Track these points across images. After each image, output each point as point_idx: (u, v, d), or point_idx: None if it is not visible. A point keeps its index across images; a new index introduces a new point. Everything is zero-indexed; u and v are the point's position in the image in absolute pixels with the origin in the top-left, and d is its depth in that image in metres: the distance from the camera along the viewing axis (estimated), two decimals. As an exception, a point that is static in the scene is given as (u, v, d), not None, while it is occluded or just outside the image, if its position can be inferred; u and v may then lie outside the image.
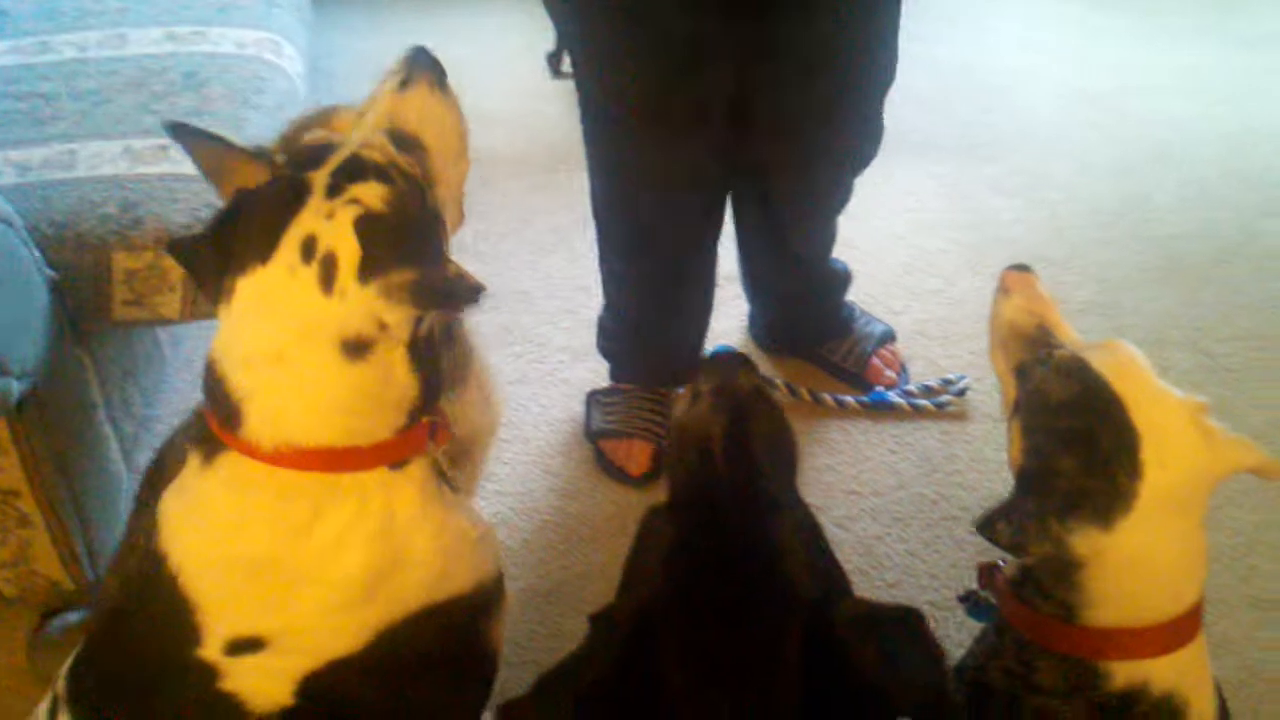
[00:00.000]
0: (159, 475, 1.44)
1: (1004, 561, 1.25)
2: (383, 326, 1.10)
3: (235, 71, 2.09)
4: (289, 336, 1.09)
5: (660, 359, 2.14)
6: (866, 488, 2.04)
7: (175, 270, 1.73)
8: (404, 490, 1.18)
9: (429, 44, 1.41)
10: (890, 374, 2.21)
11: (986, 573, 1.28)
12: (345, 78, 3.13)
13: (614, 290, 2.09)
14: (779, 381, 2.20)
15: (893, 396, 2.17)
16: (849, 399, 2.17)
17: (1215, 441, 1.12)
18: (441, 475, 1.25)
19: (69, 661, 1.24)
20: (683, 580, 1.10)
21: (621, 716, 1.07)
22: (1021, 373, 1.22)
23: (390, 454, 1.17)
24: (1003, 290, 1.30)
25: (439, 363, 1.22)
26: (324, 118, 1.40)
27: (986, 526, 1.11)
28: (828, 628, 1.05)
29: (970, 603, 1.33)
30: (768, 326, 2.29)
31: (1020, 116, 3.02)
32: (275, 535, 1.13)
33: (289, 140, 1.39)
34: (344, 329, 1.09)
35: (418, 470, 1.20)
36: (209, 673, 1.12)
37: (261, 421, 1.11)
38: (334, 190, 1.11)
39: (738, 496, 1.16)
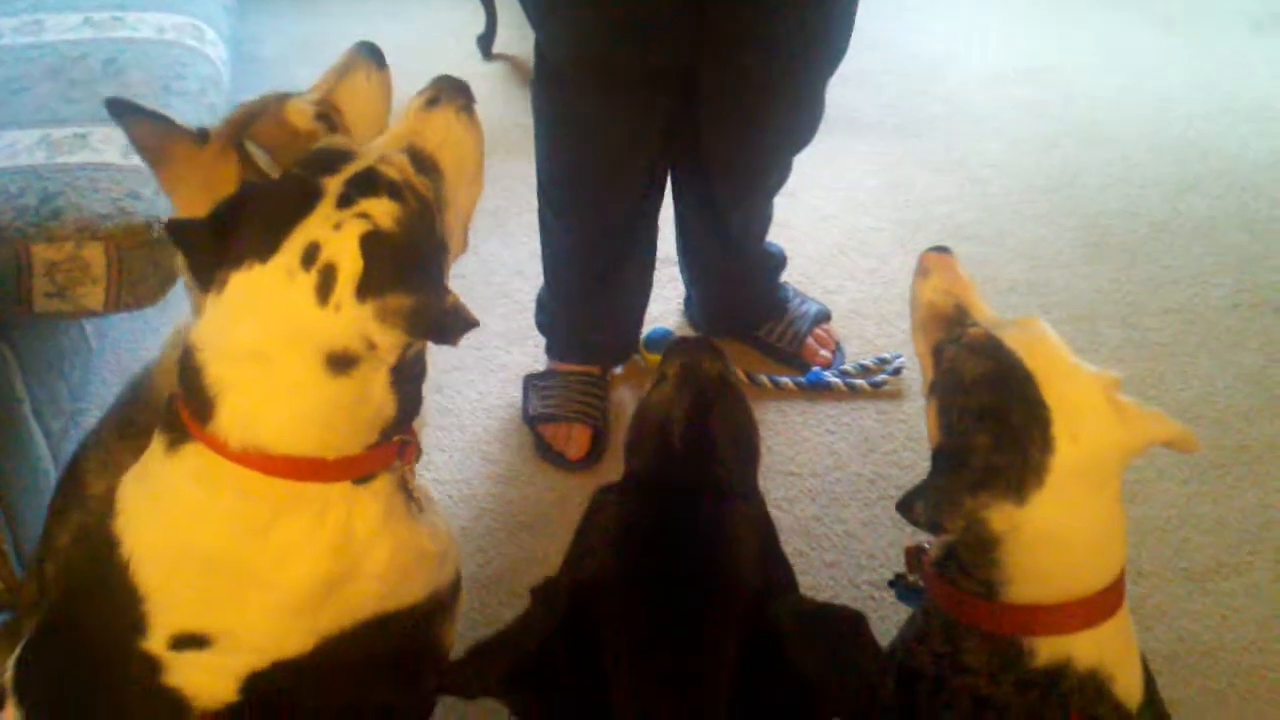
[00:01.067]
0: (78, 464, 1.42)
1: (930, 543, 1.26)
2: (371, 346, 1.09)
3: (156, 57, 2.05)
4: (275, 339, 1.07)
5: (598, 335, 2.13)
6: (804, 469, 2.05)
7: (98, 261, 1.70)
8: (366, 506, 1.17)
9: (360, 29, 1.40)
10: (825, 354, 2.22)
11: (913, 555, 1.29)
12: (274, 63, 3.08)
13: (553, 260, 2.08)
14: (716, 363, 2.20)
15: (829, 376, 2.18)
16: (785, 380, 2.18)
17: (1128, 415, 1.13)
18: (406, 491, 1.24)
19: (17, 651, 1.22)
20: (627, 558, 1.11)
21: (555, 688, 1.07)
22: (938, 352, 1.24)
23: (356, 469, 1.15)
24: (921, 272, 1.31)
25: (419, 386, 1.20)
26: (271, 104, 1.38)
27: (905, 507, 1.13)
28: (766, 618, 1.06)
29: (899, 586, 1.33)
30: (704, 308, 2.29)
31: (950, 95, 3.04)
32: (231, 534, 1.11)
33: (236, 126, 1.37)
34: (332, 342, 1.07)
35: (383, 486, 1.19)
36: (153, 665, 1.11)
37: (233, 420, 1.09)
38: (345, 200, 1.09)
39: (691, 481, 1.16)
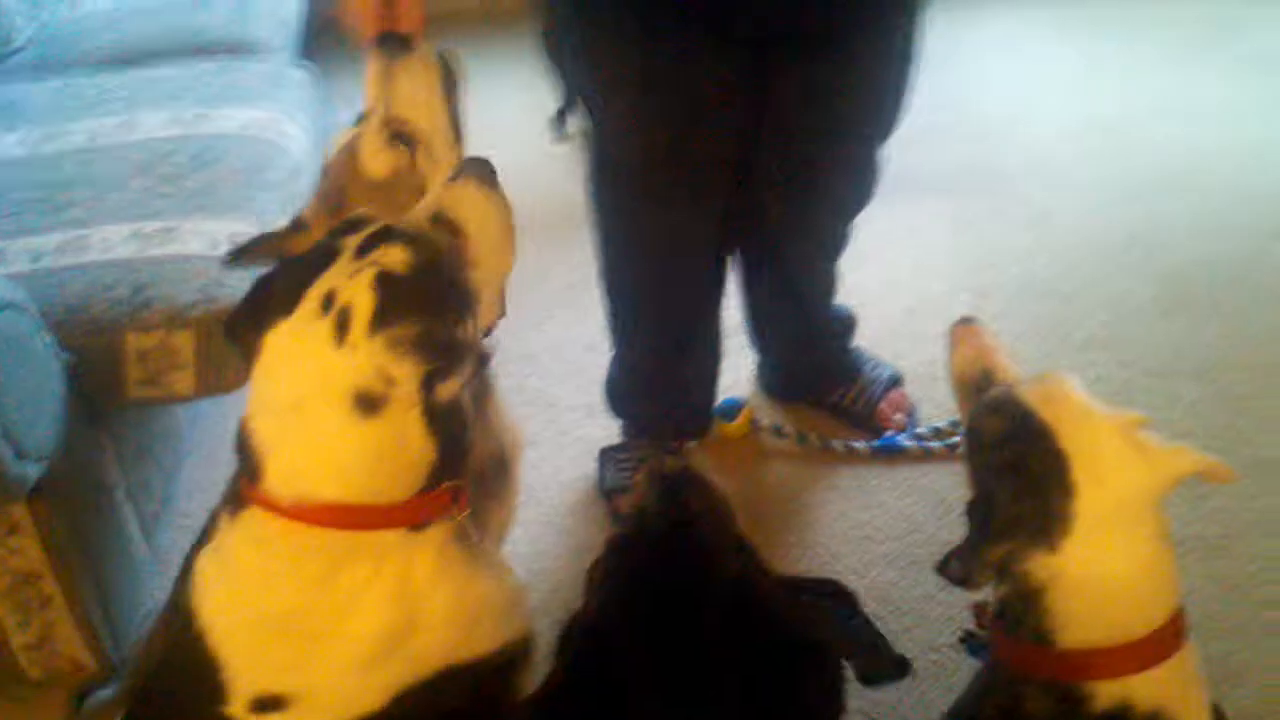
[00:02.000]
0: (202, 540, 1.48)
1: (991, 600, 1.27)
2: (391, 382, 1.11)
3: (239, 152, 2.14)
4: (306, 387, 1.12)
5: (672, 412, 2.15)
6: (880, 533, 2.04)
7: (187, 348, 1.77)
8: (423, 552, 1.19)
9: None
10: (899, 417, 2.22)
11: (980, 611, 1.30)
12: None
13: (623, 351, 2.11)
14: (788, 429, 2.21)
15: (902, 440, 2.17)
16: (859, 444, 2.18)
17: (1150, 453, 1.13)
18: (467, 538, 1.26)
19: None
20: (619, 593, 1.20)
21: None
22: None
23: (409, 515, 1.18)
24: (952, 345, 1.34)
25: (464, 430, 1.22)
26: (345, 154, 1.52)
27: (942, 566, 1.16)
28: (751, 601, 1.14)
29: (970, 643, 1.34)
30: (776, 375, 2.30)
31: (1024, 148, 3.04)
32: (295, 589, 1.15)
33: (324, 195, 1.49)
34: (355, 383, 1.11)
35: (438, 533, 1.21)
36: None
37: (280, 472, 1.13)
38: (362, 252, 1.15)
39: (667, 524, 1.23)
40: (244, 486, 1.17)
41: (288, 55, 2.85)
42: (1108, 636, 1.12)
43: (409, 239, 1.17)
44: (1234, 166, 2.91)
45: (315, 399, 1.11)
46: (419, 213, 1.26)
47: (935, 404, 2.27)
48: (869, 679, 1.20)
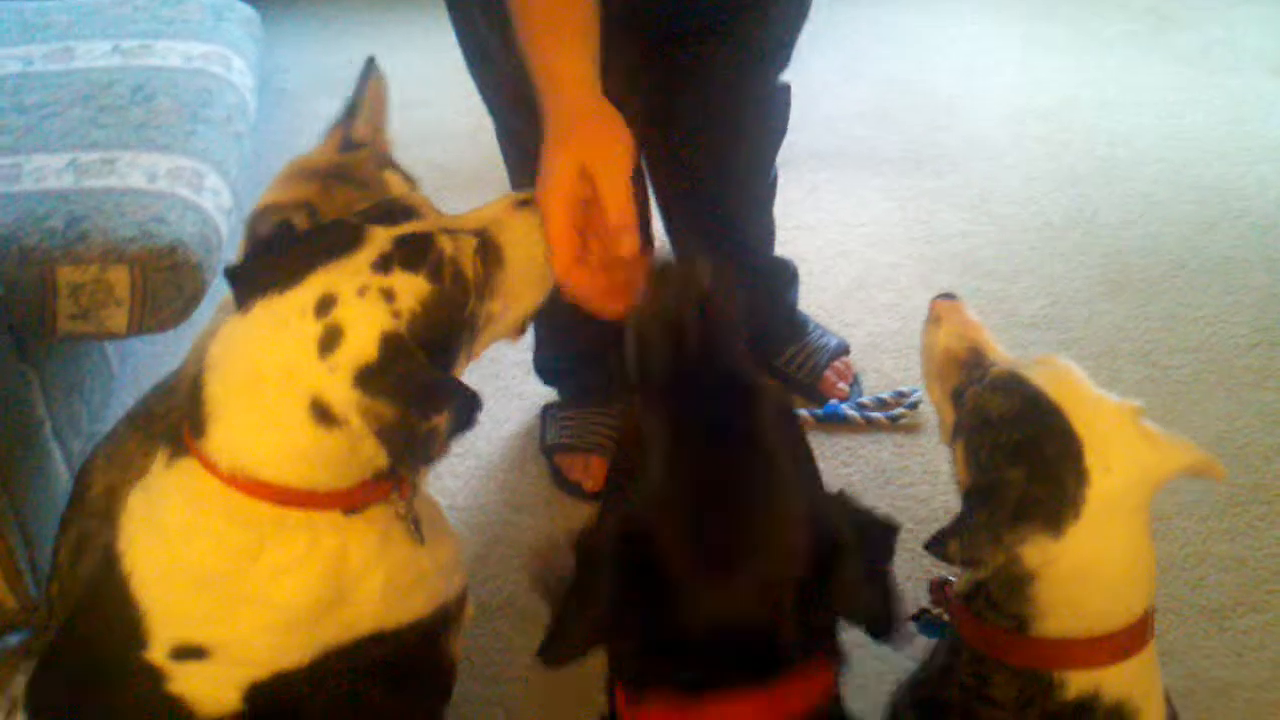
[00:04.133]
0: (89, 461, 1.44)
1: (954, 577, 1.26)
2: (347, 422, 1.09)
3: (183, 85, 2.08)
4: (271, 371, 1.09)
5: (611, 381, 2.12)
6: (820, 500, 2.04)
7: (122, 284, 1.72)
8: (361, 533, 1.18)
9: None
10: (843, 386, 2.22)
11: (938, 589, 1.28)
12: (298, 95, 3.11)
13: (552, 319, 2.03)
14: (733, 395, 2.20)
15: (846, 409, 2.18)
16: (802, 412, 2.18)
17: (1156, 443, 1.13)
18: (407, 519, 1.24)
19: (32, 670, 1.25)
20: (679, 478, 1.07)
21: (636, 624, 1.06)
22: (958, 396, 1.24)
23: (346, 501, 1.16)
24: (933, 320, 1.32)
25: (424, 448, 1.14)
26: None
27: (938, 546, 1.12)
28: (824, 526, 1.05)
29: (922, 620, 1.33)
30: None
31: (968, 131, 3.04)
32: (220, 556, 1.13)
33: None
34: (319, 396, 1.08)
35: (379, 514, 1.20)
36: (156, 675, 1.13)
37: (224, 440, 1.11)
38: (383, 265, 1.10)
39: (714, 380, 1.14)
40: (186, 435, 1.14)
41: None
42: (1089, 627, 1.12)
43: (437, 269, 1.12)
44: (1172, 156, 2.94)
45: (276, 387, 1.09)
46: (468, 223, 1.19)
47: (880, 374, 2.28)
48: (871, 621, 1.11)
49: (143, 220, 1.75)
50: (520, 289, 1.23)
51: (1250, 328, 2.40)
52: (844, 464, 2.11)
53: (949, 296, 1.33)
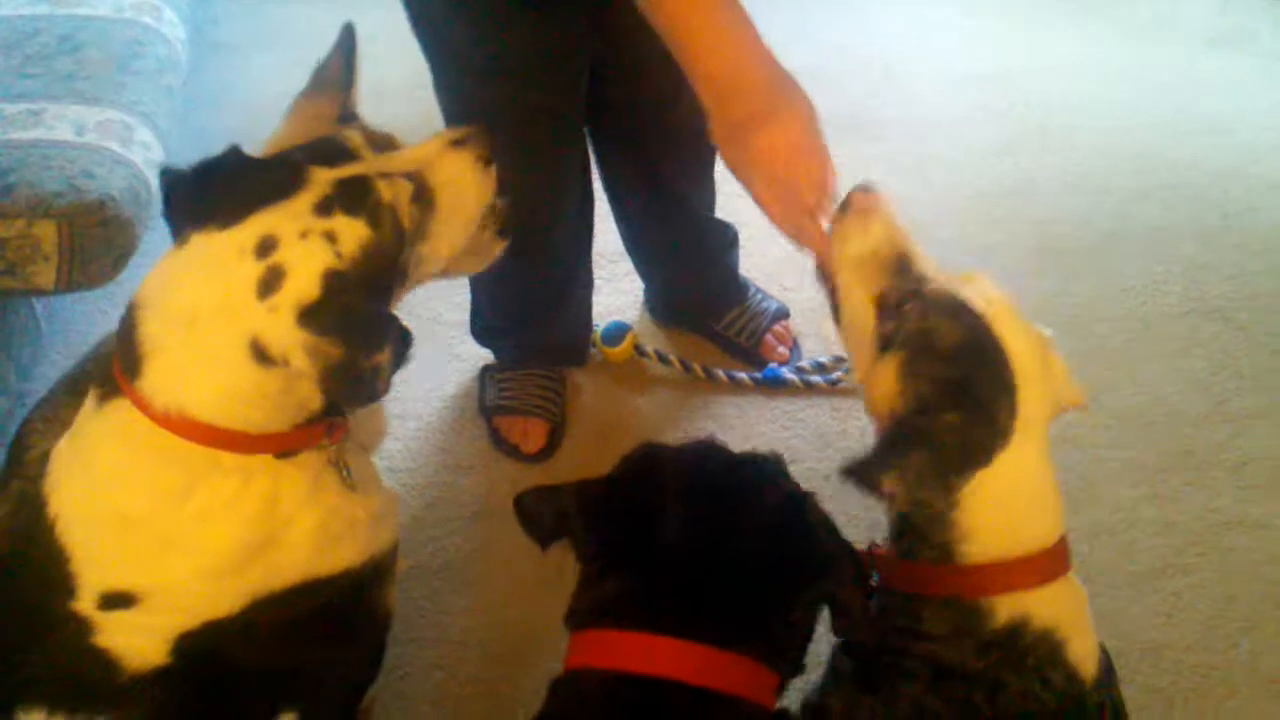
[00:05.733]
0: (25, 425, 1.41)
1: (881, 543, 1.29)
2: (287, 362, 1.09)
3: (114, 36, 2.03)
4: (208, 309, 1.08)
5: (550, 344, 2.12)
6: (759, 463, 2.05)
7: (49, 239, 1.68)
8: (293, 478, 1.17)
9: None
10: (783, 350, 2.23)
11: (868, 557, 1.28)
12: (233, 48, 3.04)
13: (491, 283, 2.00)
14: (673, 357, 2.20)
15: (785, 373, 2.19)
16: (742, 375, 2.18)
17: (1059, 374, 1.21)
18: (340, 465, 1.24)
19: None
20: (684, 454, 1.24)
21: (617, 521, 1.17)
22: (885, 304, 1.23)
23: (279, 444, 1.16)
24: (857, 212, 1.28)
25: (358, 388, 1.15)
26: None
27: (864, 475, 1.13)
28: (801, 501, 1.20)
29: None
30: (662, 297, 2.28)
31: (908, 97, 3.05)
32: (149, 497, 1.12)
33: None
34: (259, 335, 1.08)
35: (310, 459, 1.19)
36: (84, 626, 1.12)
37: (158, 379, 1.10)
38: (323, 208, 1.09)
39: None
40: (118, 375, 1.12)
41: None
42: (1009, 548, 1.15)
43: (374, 214, 1.12)
44: (1108, 126, 2.97)
45: (214, 326, 1.08)
46: (402, 166, 1.19)
47: (819, 339, 2.29)
48: (844, 631, 1.20)
49: (71, 174, 1.71)
50: (447, 230, 1.24)
51: (1180, 296, 2.45)
52: (784, 428, 2.12)
53: (869, 188, 1.30)
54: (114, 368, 1.13)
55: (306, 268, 1.07)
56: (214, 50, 2.97)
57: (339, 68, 1.36)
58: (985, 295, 1.19)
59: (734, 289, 2.27)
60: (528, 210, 1.64)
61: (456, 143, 1.24)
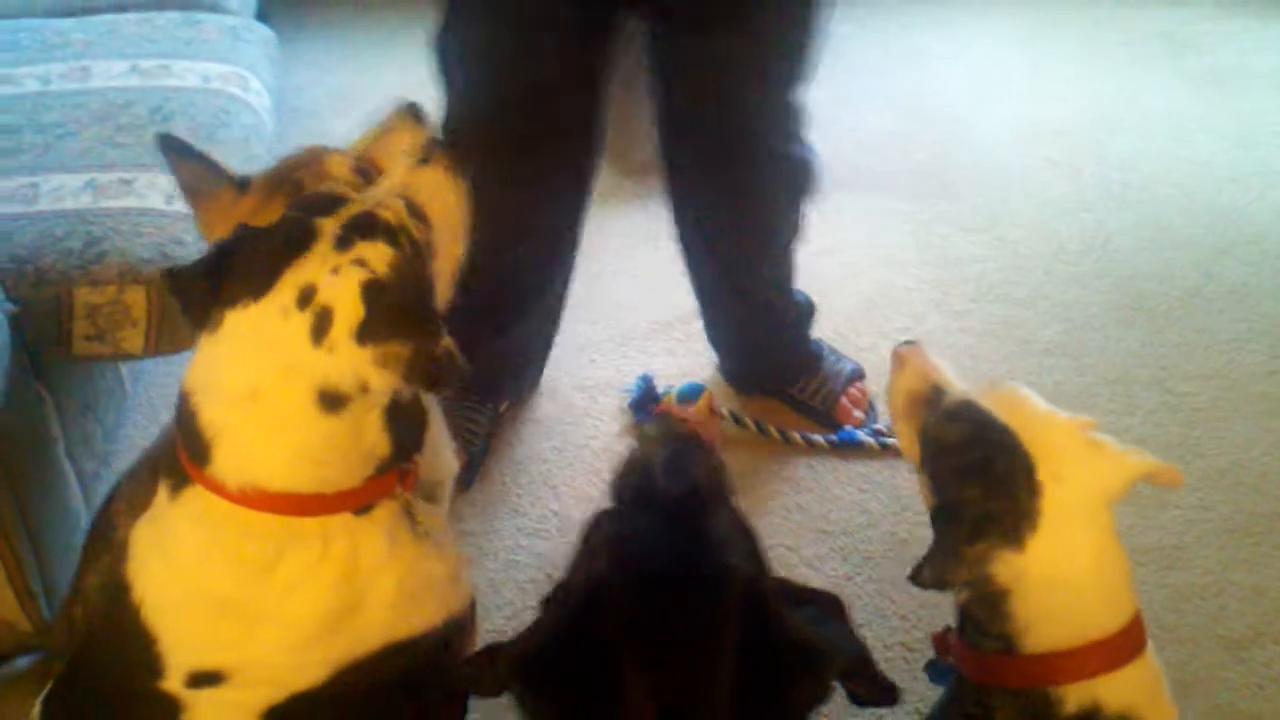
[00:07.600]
0: (111, 505, 1.43)
1: (951, 626, 1.28)
2: (364, 389, 1.10)
3: (201, 106, 2.08)
4: (267, 377, 1.09)
5: (494, 377, 2.11)
6: (836, 526, 2.03)
7: (139, 305, 1.72)
8: (370, 535, 1.18)
9: (399, 81, 1.40)
10: (859, 413, 2.21)
11: (940, 640, 1.30)
12: (312, 114, 3.11)
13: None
14: (747, 419, 2.19)
15: (862, 435, 2.17)
16: (818, 437, 2.17)
17: (1107, 453, 1.17)
18: (411, 516, 1.24)
19: (43, 694, 1.23)
20: (628, 560, 1.15)
21: (566, 681, 1.10)
22: (923, 435, 1.28)
23: (355, 500, 1.16)
24: (897, 365, 1.36)
25: (422, 426, 1.21)
26: (313, 157, 1.41)
27: (914, 574, 1.17)
28: (761, 600, 1.12)
29: (933, 669, 1.35)
30: (735, 365, 2.28)
31: (978, 154, 3.04)
32: (237, 574, 1.12)
33: (278, 177, 1.39)
34: (325, 381, 1.09)
35: (385, 514, 1.20)
36: (172, 705, 1.12)
37: (229, 461, 1.11)
38: (343, 243, 1.11)
39: (677, 499, 1.21)
40: (187, 465, 1.14)
41: (247, 14, 2.78)
42: (1072, 638, 1.14)
43: (392, 235, 1.14)
44: (1183, 180, 2.94)
45: (276, 391, 1.09)
46: (390, 194, 1.22)
47: (894, 400, 2.27)
48: (860, 700, 1.18)
49: (160, 241, 1.75)
50: (446, 241, 1.26)
51: (1266, 354, 2.40)
52: (860, 490, 2.10)
53: (910, 343, 1.37)
54: (180, 458, 1.14)
55: (347, 294, 1.09)
56: (295, 115, 3.04)
57: (196, 172, 1.41)
58: (998, 395, 1.22)
59: (808, 358, 2.26)
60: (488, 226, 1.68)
61: (423, 160, 1.27)
